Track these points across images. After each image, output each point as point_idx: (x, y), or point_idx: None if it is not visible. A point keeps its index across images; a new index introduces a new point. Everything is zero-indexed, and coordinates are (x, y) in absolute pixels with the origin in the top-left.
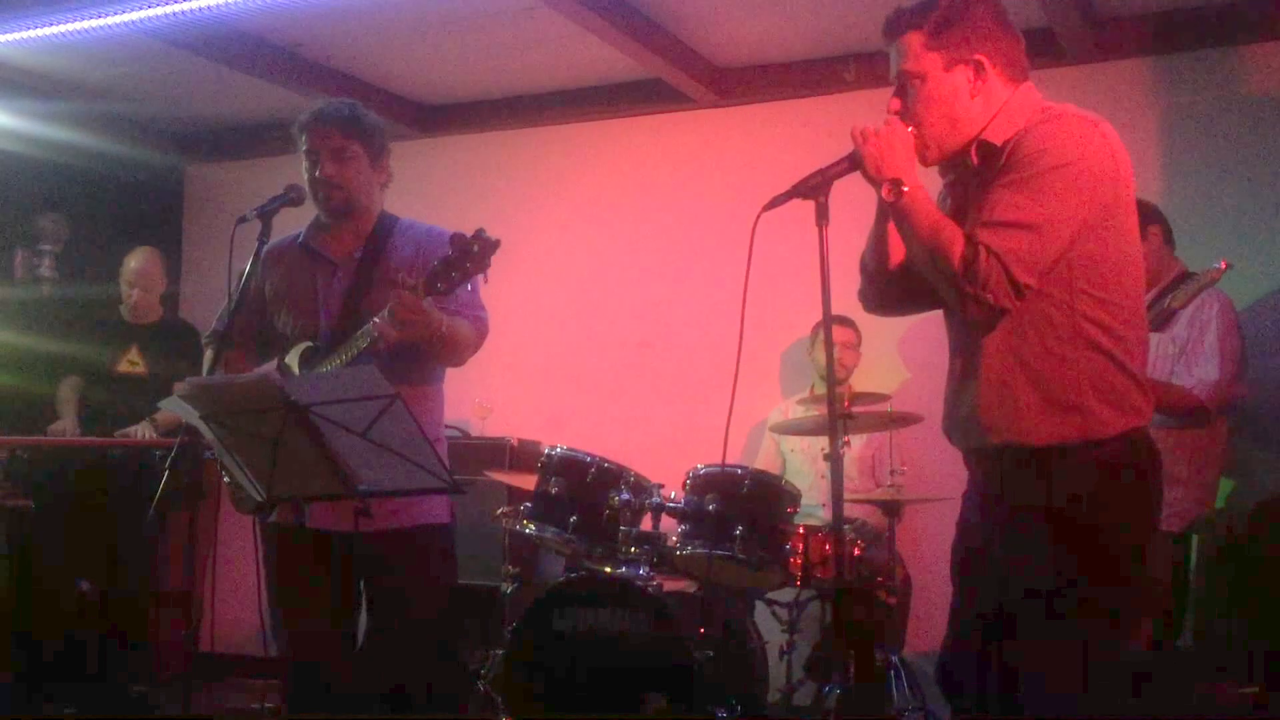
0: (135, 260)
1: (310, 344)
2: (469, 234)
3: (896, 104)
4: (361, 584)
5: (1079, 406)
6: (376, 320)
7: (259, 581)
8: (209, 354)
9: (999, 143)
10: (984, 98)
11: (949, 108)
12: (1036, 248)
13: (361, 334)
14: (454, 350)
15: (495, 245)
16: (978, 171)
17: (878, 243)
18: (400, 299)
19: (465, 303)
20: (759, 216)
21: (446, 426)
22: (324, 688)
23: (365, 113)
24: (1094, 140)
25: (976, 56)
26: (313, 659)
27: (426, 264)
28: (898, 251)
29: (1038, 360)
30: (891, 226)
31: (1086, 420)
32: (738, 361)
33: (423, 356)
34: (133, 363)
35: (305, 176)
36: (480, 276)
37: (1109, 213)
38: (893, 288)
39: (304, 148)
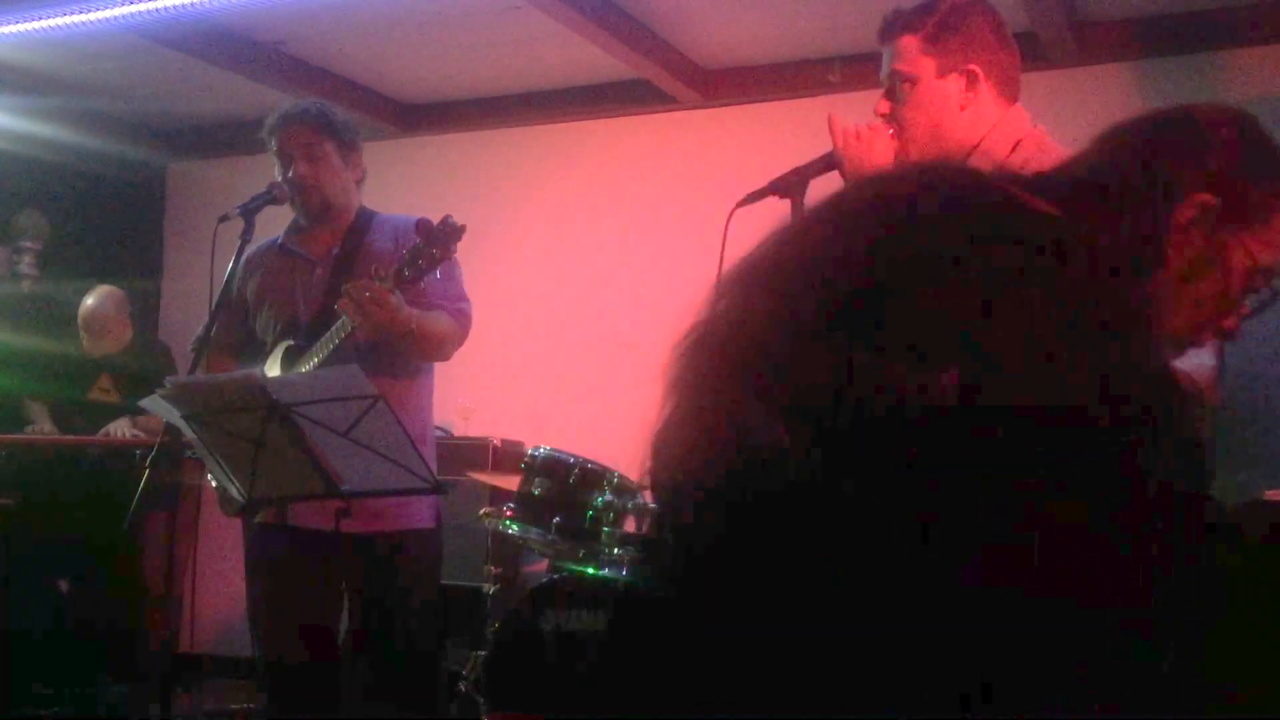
0: (89, 302)
1: (291, 343)
2: (434, 221)
3: (885, 106)
4: (343, 586)
5: None
6: (350, 312)
7: (248, 584)
8: (191, 359)
9: None
10: (973, 110)
11: (937, 115)
12: None
13: (337, 328)
14: (431, 344)
15: (460, 231)
16: None
17: None
18: (356, 285)
19: (444, 294)
20: (732, 213)
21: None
22: (303, 690)
23: (334, 110)
24: None
25: (970, 66)
26: (291, 659)
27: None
28: None
29: None
30: None
31: None
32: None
33: (402, 353)
34: (104, 390)
35: (279, 179)
36: (457, 266)
37: None
38: None
39: (274, 149)
